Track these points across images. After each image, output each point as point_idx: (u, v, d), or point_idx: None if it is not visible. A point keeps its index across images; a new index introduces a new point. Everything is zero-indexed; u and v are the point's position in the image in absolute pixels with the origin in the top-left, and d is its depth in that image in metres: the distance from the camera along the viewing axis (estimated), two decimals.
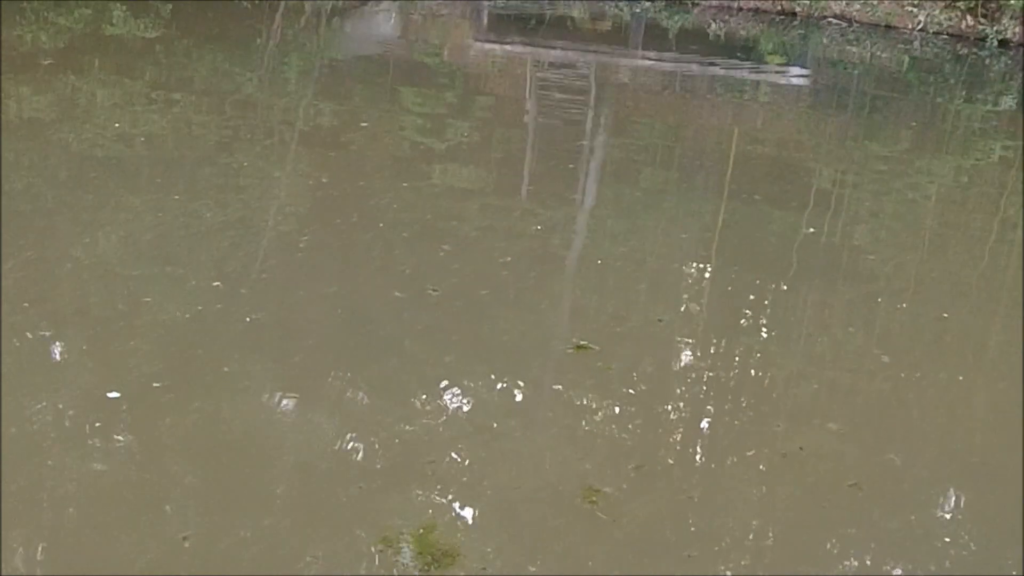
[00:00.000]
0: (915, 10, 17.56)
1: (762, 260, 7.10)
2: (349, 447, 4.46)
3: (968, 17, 17.23)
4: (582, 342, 5.48)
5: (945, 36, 17.58)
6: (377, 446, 4.47)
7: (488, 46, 15.24)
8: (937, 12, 17.40)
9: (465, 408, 4.84)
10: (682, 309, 6.29)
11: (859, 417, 5.23)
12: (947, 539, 4.29)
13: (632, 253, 7.18)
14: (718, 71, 14.80)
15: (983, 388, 5.67)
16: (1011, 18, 16.80)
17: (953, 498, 4.60)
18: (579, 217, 7.96)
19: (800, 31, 17.95)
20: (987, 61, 16.61)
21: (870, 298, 6.67)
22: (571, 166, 9.36)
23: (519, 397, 5.03)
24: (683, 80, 14.27)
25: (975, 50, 16.96)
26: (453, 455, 4.46)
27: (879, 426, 5.13)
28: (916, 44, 17.33)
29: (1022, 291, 6.90)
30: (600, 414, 4.95)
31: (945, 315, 6.52)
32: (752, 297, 6.49)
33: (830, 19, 18.23)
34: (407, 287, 5.98)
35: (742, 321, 6.22)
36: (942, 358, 5.97)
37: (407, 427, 4.63)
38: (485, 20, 17.03)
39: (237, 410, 4.61)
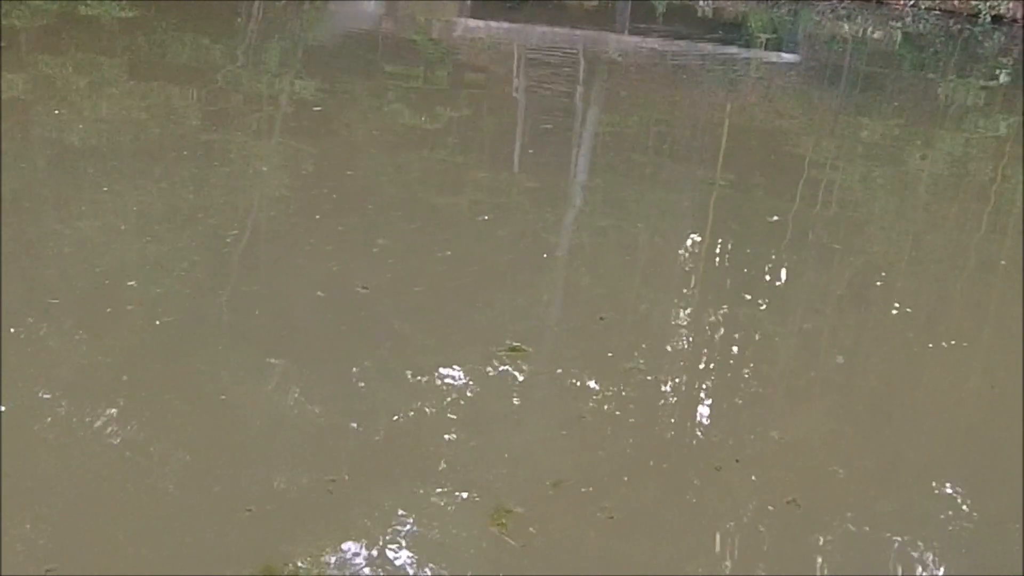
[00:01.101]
0: None
1: (736, 248, 6.75)
2: (242, 466, 4.02)
3: None
4: (515, 344, 5.04)
5: (937, 12, 17.11)
6: (273, 464, 4.05)
7: (473, 24, 14.77)
8: None
9: (373, 420, 4.42)
10: (630, 309, 5.81)
11: (806, 424, 4.82)
12: (889, 565, 3.86)
13: (600, 248, 6.86)
14: (707, 49, 14.41)
15: (941, 398, 5.22)
16: None
17: (900, 517, 4.16)
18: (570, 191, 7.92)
19: (790, 8, 17.42)
20: (980, 37, 16.11)
21: (834, 293, 6.21)
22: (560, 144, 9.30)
23: (436, 405, 4.60)
24: (672, 59, 14.14)
25: (968, 26, 16.48)
26: (353, 473, 4.03)
27: (826, 434, 4.75)
28: (908, 20, 16.88)
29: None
30: (520, 425, 4.53)
31: (907, 308, 6.08)
32: (708, 296, 6.05)
33: None
34: (332, 285, 5.57)
35: (686, 321, 5.75)
36: (902, 358, 5.52)
37: (305, 442, 4.19)
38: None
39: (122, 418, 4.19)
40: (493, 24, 15.05)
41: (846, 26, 16.90)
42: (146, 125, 8.33)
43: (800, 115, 11.38)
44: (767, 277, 6.47)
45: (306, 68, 11.47)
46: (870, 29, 16.72)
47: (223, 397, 4.51)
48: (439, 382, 4.83)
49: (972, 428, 4.98)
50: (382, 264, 5.99)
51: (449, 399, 4.71)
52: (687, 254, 6.85)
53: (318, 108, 9.59)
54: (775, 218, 7.45)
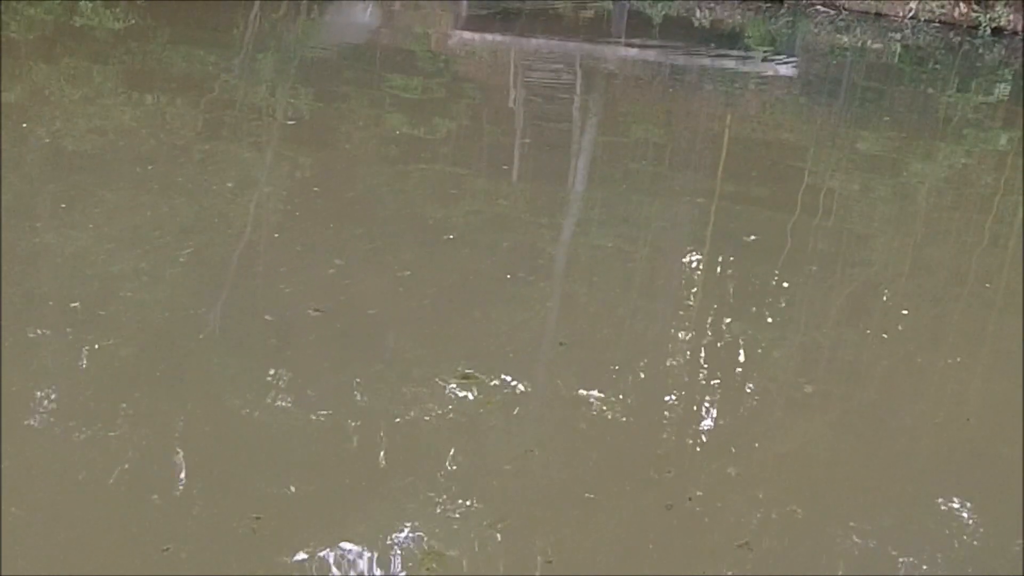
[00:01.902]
0: None
1: (725, 267, 6.64)
2: (163, 497, 3.88)
3: (961, 4, 16.48)
4: (468, 371, 4.78)
5: (937, 24, 16.86)
6: (195, 499, 3.94)
7: (468, 36, 14.54)
8: None
9: (299, 455, 4.17)
10: (593, 334, 5.55)
11: (766, 460, 4.52)
12: None
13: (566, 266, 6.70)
14: (704, 61, 14.18)
15: (921, 431, 4.96)
16: (1005, 5, 16.07)
17: (860, 564, 3.88)
18: (568, 208, 7.86)
19: (788, 19, 17.28)
20: (980, 50, 15.84)
21: (825, 315, 5.95)
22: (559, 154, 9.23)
23: (371, 437, 4.36)
24: (669, 70, 14.14)
25: (968, 38, 16.24)
26: (276, 511, 3.92)
27: (787, 471, 4.46)
28: (907, 32, 16.65)
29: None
30: (461, 459, 4.28)
31: (884, 335, 5.79)
32: (681, 319, 5.78)
33: (818, 7, 17.51)
34: (283, 307, 5.21)
35: (653, 348, 5.51)
36: (882, 387, 5.25)
37: (224, 475, 3.96)
38: (465, 10, 16.28)
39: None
40: (488, 36, 14.85)
41: (845, 38, 16.67)
42: (139, 136, 8.33)
43: (799, 128, 11.39)
44: (751, 300, 6.22)
45: (302, 79, 11.51)
46: (869, 41, 16.43)
47: (146, 434, 4.25)
48: (379, 411, 4.59)
49: (956, 466, 4.71)
50: (338, 285, 5.73)
51: (387, 430, 4.47)
52: (672, 274, 6.66)
53: (310, 120, 9.64)
54: (752, 238, 7.18)
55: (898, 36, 16.80)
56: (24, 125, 8.33)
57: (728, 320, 6.01)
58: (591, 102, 11.80)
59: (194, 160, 7.89)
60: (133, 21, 13.42)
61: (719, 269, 6.79)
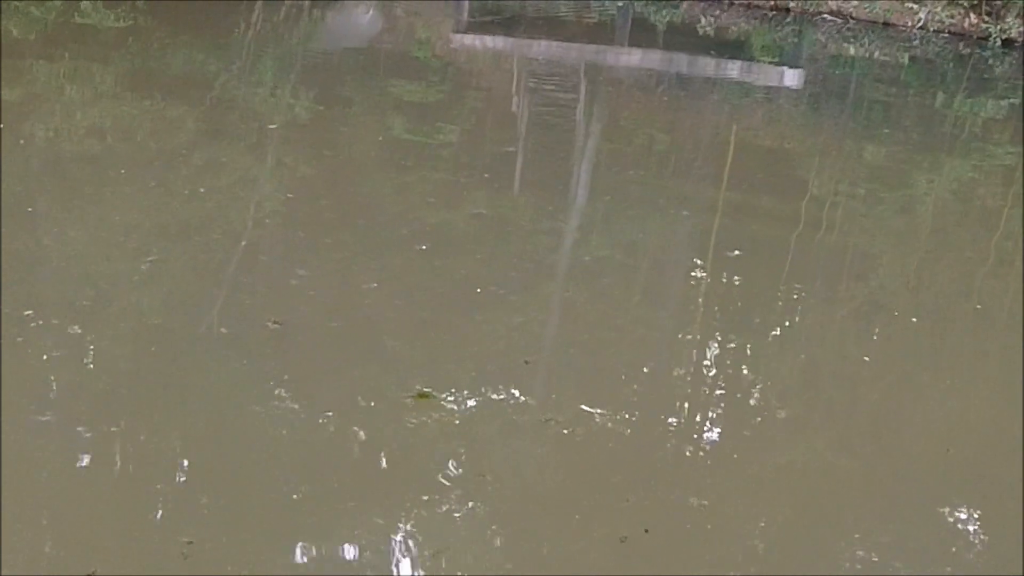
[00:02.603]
0: (915, 7, 16.55)
1: (714, 282, 6.51)
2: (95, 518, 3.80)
3: (971, 15, 16.24)
4: (425, 389, 4.56)
5: (946, 35, 16.62)
6: (126, 521, 3.77)
7: (470, 40, 14.34)
8: (939, 9, 16.45)
9: (240, 476, 3.96)
10: (561, 353, 5.30)
11: (733, 488, 4.29)
12: None
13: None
14: (708, 68, 13.93)
15: (893, 461, 4.73)
16: (1016, 16, 15.84)
17: None
18: (570, 215, 7.74)
19: (794, 28, 17.02)
20: (990, 61, 15.53)
21: (817, 335, 5.75)
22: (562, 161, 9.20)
23: (316, 458, 4.14)
24: (672, 78, 14.08)
25: (977, 49, 15.94)
26: (211, 534, 3.74)
27: (755, 500, 4.22)
28: (916, 43, 16.41)
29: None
30: (406, 483, 4.07)
31: (866, 359, 5.55)
32: (658, 339, 5.56)
33: (825, 16, 17.27)
34: (240, 319, 5.04)
35: (623, 368, 5.26)
36: (863, 413, 5.00)
37: (168, 495, 3.92)
38: (466, 14, 16.07)
39: None
40: (489, 40, 14.64)
41: (852, 47, 16.41)
42: (136, 137, 8.31)
43: (804, 138, 11.34)
44: (733, 319, 5.99)
45: (303, 81, 11.43)
46: (876, 51, 16.15)
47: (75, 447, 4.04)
48: (327, 431, 4.37)
49: (937, 511, 4.37)
50: (301, 296, 5.53)
51: (333, 450, 4.26)
52: (656, 290, 6.39)
53: (305, 124, 9.60)
54: (735, 252, 6.92)
55: (906, 46, 16.54)
56: (22, 124, 8.31)
57: (706, 339, 5.77)
58: (594, 109, 11.62)
59: (180, 163, 7.84)
60: (134, 21, 13.32)
61: (702, 285, 6.54)
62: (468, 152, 9.26)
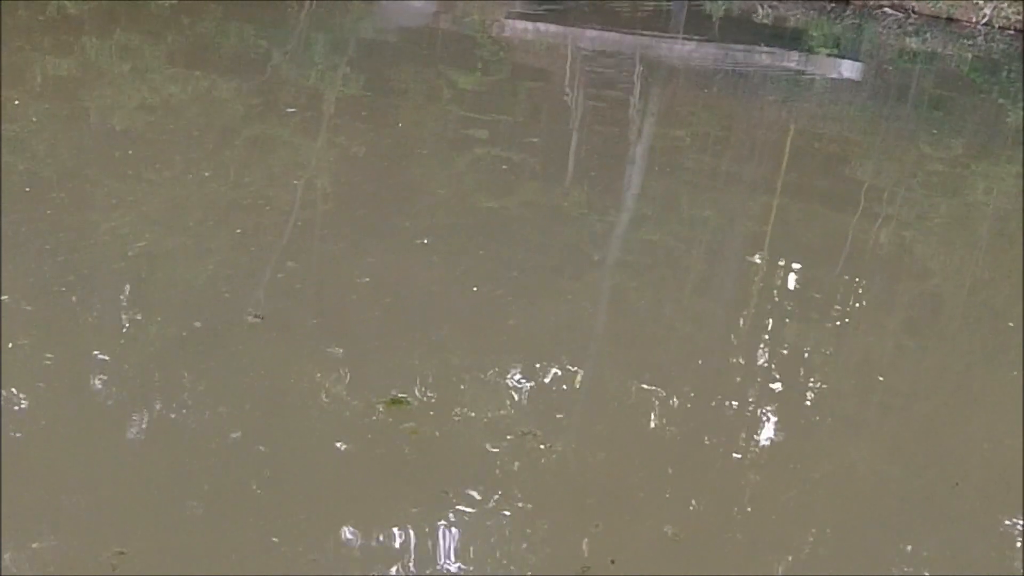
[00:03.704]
0: (981, 2, 15.78)
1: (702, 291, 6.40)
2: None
3: None
4: (401, 395, 4.27)
5: (1011, 32, 16.09)
6: (61, 528, 3.54)
7: (522, 25, 14.01)
8: (1005, 5, 15.77)
9: (196, 484, 3.83)
10: (552, 359, 5.01)
11: (711, 515, 4.01)
12: None
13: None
14: (765, 59, 13.52)
15: (868, 485, 4.40)
16: None
17: None
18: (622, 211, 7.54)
19: (853, 21, 16.57)
20: None
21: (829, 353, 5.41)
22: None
23: (278, 467, 3.96)
24: (729, 68, 13.74)
25: None
26: (140, 547, 3.47)
27: (732, 528, 3.96)
28: (980, 39, 15.78)
29: None
30: (364, 498, 3.87)
31: (880, 378, 5.16)
32: (660, 347, 5.39)
33: (886, 9, 16.76)
34: (217, 313, 5.01)
35: (616, 376, 5.05)
36: (842, 437, 4.61)
37: (100, 504, 3.67)
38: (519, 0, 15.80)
39: None
40: (542, 26, 14.29)
41: (913, 42, 15.86)
42: (186, 114, 8.27)
43: (863, 136, 11.04)
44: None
45: (356, 63, 11.43)
46: (939, 46, 15.58)
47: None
48: (295, 435, 4.18)
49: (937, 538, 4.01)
50: (287, 289, 5.37)
51: (298, 457, 4.05)
52: (657, 295, 6.02)
53: (361, 105, 9.49)
54: (757, 257, 6.55)
55: (969, 43, 16.07)
56: (75, 100, 8.33)
57: (695, 359, 5.38)
58: (649, 98, 11.27)
59: (230, 142, 7.74)
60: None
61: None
62: (521, 139, 8.98)
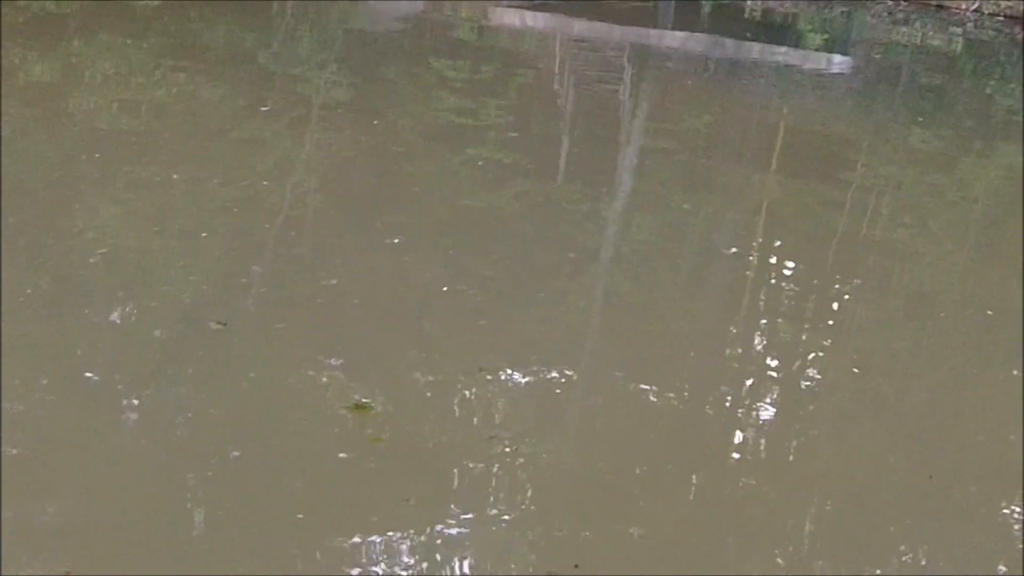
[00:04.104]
0: None
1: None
2: None
3: None
4: (364, 400, 4.14)
5: (1001, 18, 15.98)
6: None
7: (510, 17, 13.88)
8: None
9: (145, 501, 3.67)
10: (523, 359, 4.87)
11: (677, 519, 3.90)
12: None
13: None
14: (755, 51, 13.49)
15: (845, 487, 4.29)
16: None
17: None
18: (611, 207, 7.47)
19: (843, 10, 16.33)
20: None
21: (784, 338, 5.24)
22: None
23: (237, 477, 3.82)
24: (718, 60, 13.78)
25: None
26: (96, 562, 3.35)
27: (700, 529, 3.86)
28: (970, 26, 15.71)
29: None
30: (317, 509, 3.70)
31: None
32: (633, 346, 5.23)
33: None
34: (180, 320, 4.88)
35: (584, 378, 4.90)
36: (835, 442, 4.55)
37: (45, 518, 3.53)
38: None
39: None
40: (529, 17, 14.18)
41: (903, 31, 15.68)
42: (171, 115, 8.17)
43: (853, 125, 11.00)
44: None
45: (343, 60, 11.34)
46: (929, 35, 15.44)
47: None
48: (254, 444, 4.02)
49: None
50: (252, 294, 5.26)
51: (252, 466, 3.89)
52: (642, 293, 5.92)
53: (350, 102, 9.42)
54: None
55: (960, 31, 15.91)
56: (57, 101, 8.22)
57: (669, 359, 5.25)
58: (639, 90, 11.16)
59: (218, 142, 7.58)
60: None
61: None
62: (511, 134, 8.89)
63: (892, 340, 5.65)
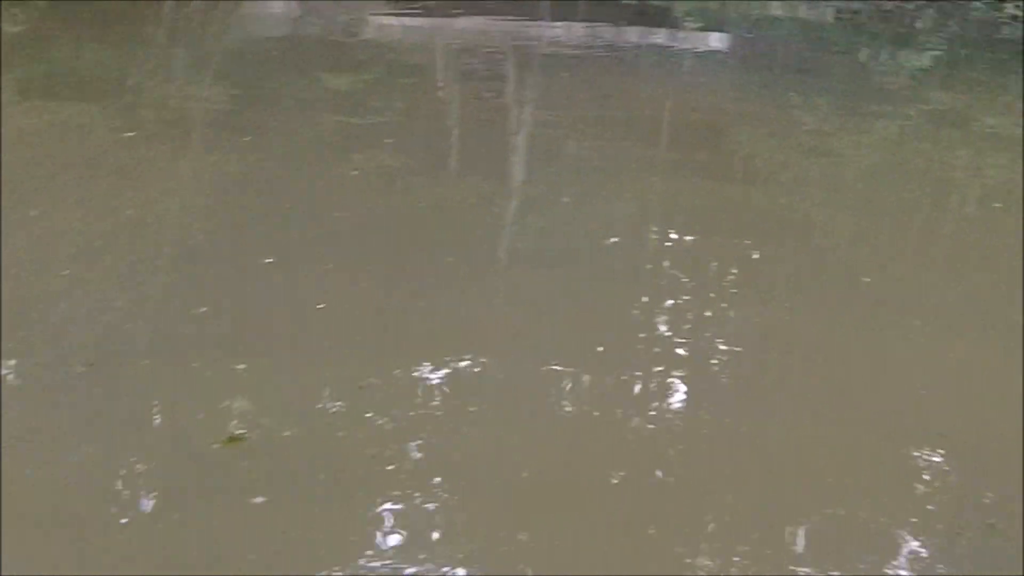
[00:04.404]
0: None
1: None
2: None
3: None
4: (239, 431, 4.03)
5: None
6: None
7: (388, 21, 13.73)
8: None
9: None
10: (406, 375, 4.73)
11: (619, 511, 3.85)
12: None
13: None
14: (633, 37, 13.58)
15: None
16: None
17: None
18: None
19: None
20: (913, 15, 15.24)
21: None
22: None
23: (90, 524, 3.64)
24: (599, 49, 13.61)
25: (900, 3, 15.56)
26: None
27: (645, 521, 3.83)
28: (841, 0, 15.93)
29: None
30: (191, 552, 3.52)
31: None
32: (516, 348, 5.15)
33: None
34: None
35: (473, 387, 4.76)
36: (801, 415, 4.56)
37: None
38: None
39: None
40: (408, 20, 14.03)
41: (777, 7, 16.00)
42: (44, 146, 7.86)
43: (734, 104, 11.07)
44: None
45: (222, 75, 11.05)
46: (802, 9, 15.82)
47: None
48: (121, 493, 3.83)
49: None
50: (117, 331, 4.99)
51: (121, 516, 3.68)
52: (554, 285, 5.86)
53: (230, 118, 9.23)
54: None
55: (832, 3, 16.27)
56: None
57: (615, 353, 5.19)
58: (523, 83, 11.14)
59: (94, 170, 7.27)
60: (34, 22, 12.56)
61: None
62: (397, 137, 8.79)
63: (794, 309, 5.71)
